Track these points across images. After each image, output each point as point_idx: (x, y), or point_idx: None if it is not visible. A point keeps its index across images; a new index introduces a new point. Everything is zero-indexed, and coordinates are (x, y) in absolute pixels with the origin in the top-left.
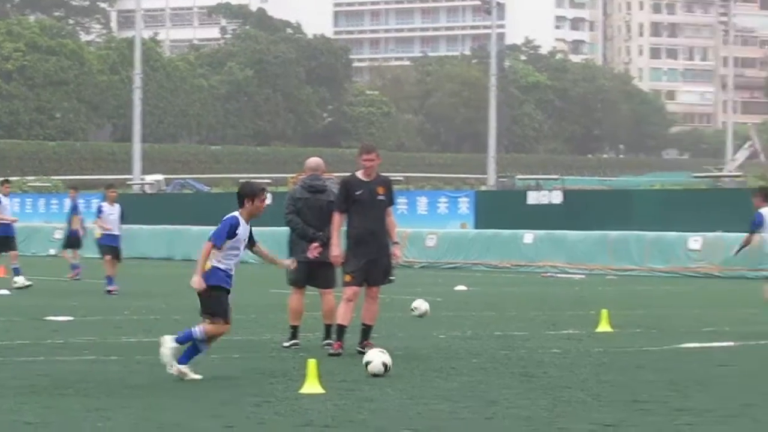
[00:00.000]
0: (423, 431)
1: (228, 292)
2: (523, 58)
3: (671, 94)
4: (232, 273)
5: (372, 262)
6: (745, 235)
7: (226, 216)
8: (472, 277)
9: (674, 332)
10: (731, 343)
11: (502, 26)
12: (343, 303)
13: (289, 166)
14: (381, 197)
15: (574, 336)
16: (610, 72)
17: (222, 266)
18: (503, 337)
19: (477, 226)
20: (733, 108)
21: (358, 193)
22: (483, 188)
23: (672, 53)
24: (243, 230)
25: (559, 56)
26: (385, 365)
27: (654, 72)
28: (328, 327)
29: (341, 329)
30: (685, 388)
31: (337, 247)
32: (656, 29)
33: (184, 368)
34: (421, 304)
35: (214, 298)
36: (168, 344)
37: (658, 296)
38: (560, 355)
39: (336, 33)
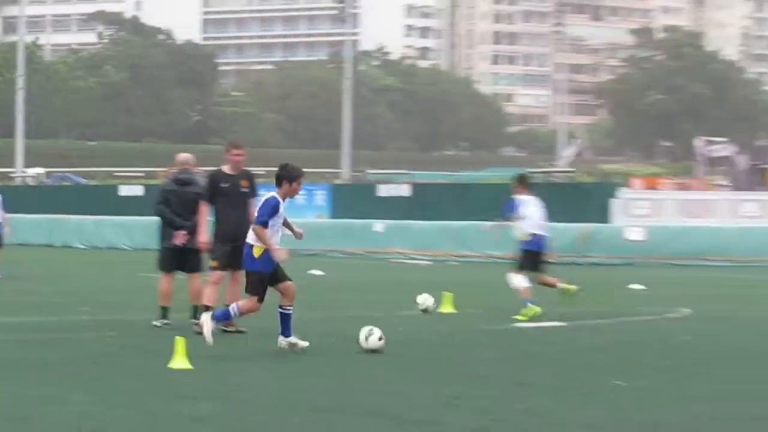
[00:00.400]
0: (281, 403)
1: (269, 273)
2: (375, 63)
3: (510, 97)
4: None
5: (236, 249)
6: (500, 219)
7: (266, 197)
8: (328, 263)
9: (511, 313)
10: (563, 323)
11: (356, 34)
12: (209, 285)
13: (160, 160)
14: (244, 189)
15: (421, 316)
16: (455, 76)
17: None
18: (356, 318)
19: (332, 216)
20: (566, 110)
21: (223, 185)
22: (338, 182)
23: (511, 59)
24: (282, 208)
25: (408, 61)
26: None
27: (494, 77)
28: (195, 307)
29: (207, 310)
30: (521, 364)
31: (204, 235)
32: (497, 37)
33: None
34: (426, 300)
35: (256, 280)
36: (206, 325)
37: (496, 281)
38: (408, 334)
39: (204, 39)
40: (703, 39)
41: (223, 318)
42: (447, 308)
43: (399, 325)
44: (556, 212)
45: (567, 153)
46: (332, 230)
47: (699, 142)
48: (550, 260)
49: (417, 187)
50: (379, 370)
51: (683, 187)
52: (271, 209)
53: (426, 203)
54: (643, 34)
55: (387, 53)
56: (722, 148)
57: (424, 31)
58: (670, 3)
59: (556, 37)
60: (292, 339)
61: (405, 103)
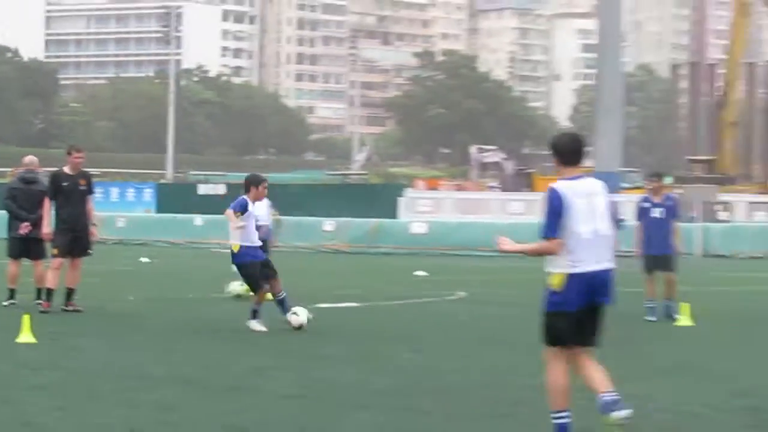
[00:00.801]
0: (111, 373)
1: (259, 262)
2: (195, 79)
3: (311, 110)
4: (257, 243)
5: (75, 239)
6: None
7: (239, 197)
8: (155, 252)
9: (313, 295)
10: (358, 304)
11: (179, 54)
12: (51, 271)
13: (8, 162)
14: (82, 188)
15: (232, 299)
16: (264, 91)
17: (247, 243)
18: (179, 300)
19: (158, 210)
20: (359, 121)
21: (64, 184)
22: (163, 181)
23: (312, 77)
24: (252, 208)
25: (224, 78)
26: (308, 319)
27: (298, 92)
28: (39, 290)
29: (50, 292)
30: (322, 339)
31: (47, 227)
32: (300, 58)
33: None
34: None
35: (249, 275)
36: (254, 325)
37: (300, 268)
38: (223, 313)
39: (47, 57)
40: (477, 62)
41: (255, 316)
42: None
43: (214, 305)
44: (350, 209)
45: (359, 158)
46: (158, 223)
47: (473, 150)
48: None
49: (231, 187)
50: (198, 344)
51: (460, 188)
52: (241, 204)
53: None
54: (425, 57)
55: (206, 71)
56: (493, 155)
57: (238, 52)
58: (448, 30)
59: (351, 59)
60: (294, 312)
61: (221, 114)
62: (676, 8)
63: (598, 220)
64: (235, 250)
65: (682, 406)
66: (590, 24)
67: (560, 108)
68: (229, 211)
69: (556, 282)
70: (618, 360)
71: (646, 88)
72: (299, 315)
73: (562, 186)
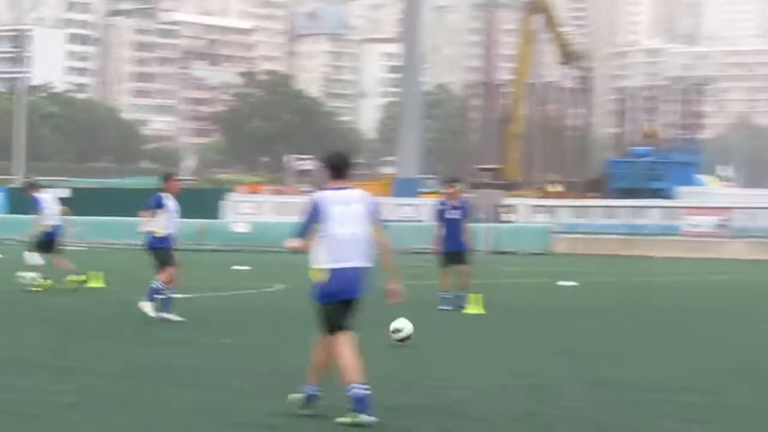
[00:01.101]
0: (9, 357)
1: (170, 247)
2: (42, 95)
3: (146, 122)
4: (173, 233)
5: None
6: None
7: (155, 195)
8: (6, 249)
9: (144, 288)
10: (187, 295)
11: (28, 72)
12: None
13: None
14: None
15: (90, 290)
16: (105, 106)
17: (165, 233)
18: (27, 292)
19: (8, 212)
20: (188, 133)
21: None
22: (12, 186)
23: (148, 94)
24: (171, 203)
25: (68, 94)
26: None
27: (135, 107)
28: None
29: None
30: (155, 325)
31: None
32: (138, 77)
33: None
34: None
35: (162, 255)
36: (147, 307)
37: (132, 263)
38: (69, 303)
39: None
40: (294, 80)
41: (153, 294)
42: (97, 284)
43: (60, 296)
44: (180, 210)
45: (187, 164)
46: (8, 223)
47: (290, 158)
48: (65, 246)
49: (75, 191)
50: (43, 330)
51: (278, 192)
52: (152, 202)
53: (84, 203)
54: (248, 76)
55: (52, 88)
56: (307, 163)
57: (82, 71)
58: (269, 53)
59: (182, 77)
60: (148, 306)
61: (66, 126)
62: (469, 35)
63: (355, 225)
64: (159, 235)
65: (475, 384)
66: (394, 48)
67: (367, 122)
68: (144, 214)
69: (318, 276)
70: (416, 345)
71: (442, 105)
72: (402, 330)
73: (322, 195)
